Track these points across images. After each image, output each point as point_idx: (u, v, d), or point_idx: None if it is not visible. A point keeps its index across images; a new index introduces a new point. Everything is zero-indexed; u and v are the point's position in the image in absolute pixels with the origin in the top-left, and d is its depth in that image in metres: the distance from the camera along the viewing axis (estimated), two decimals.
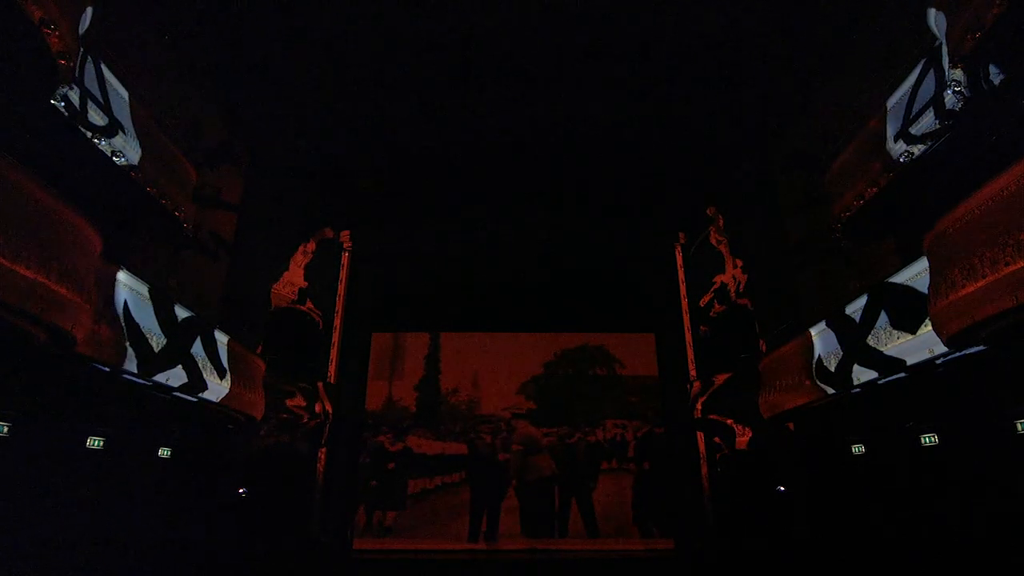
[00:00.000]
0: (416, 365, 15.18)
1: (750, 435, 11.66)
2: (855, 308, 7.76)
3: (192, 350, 8.09)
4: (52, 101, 6.55)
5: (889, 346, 7.03)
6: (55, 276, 5.01)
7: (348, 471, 13.64)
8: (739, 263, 12.59)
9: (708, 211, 13.35)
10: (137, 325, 6.91)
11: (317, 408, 12.60)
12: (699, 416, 12.94)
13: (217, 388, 8.77)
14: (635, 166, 12.63)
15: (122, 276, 6.73)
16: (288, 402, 12.04)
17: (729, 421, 12.14)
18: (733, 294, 12.53)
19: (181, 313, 7.92)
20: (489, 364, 15.11)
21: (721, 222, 13.17)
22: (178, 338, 7.74)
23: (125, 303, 6.74)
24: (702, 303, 13.57)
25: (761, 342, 11.41)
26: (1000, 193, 4.91)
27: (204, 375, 8.30)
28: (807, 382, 8.83)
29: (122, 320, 6.63)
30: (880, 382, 7.40)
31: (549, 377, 15.01)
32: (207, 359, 8.48)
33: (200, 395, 8.33)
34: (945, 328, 5.60)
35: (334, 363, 13.56)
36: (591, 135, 11.75)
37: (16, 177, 4.73)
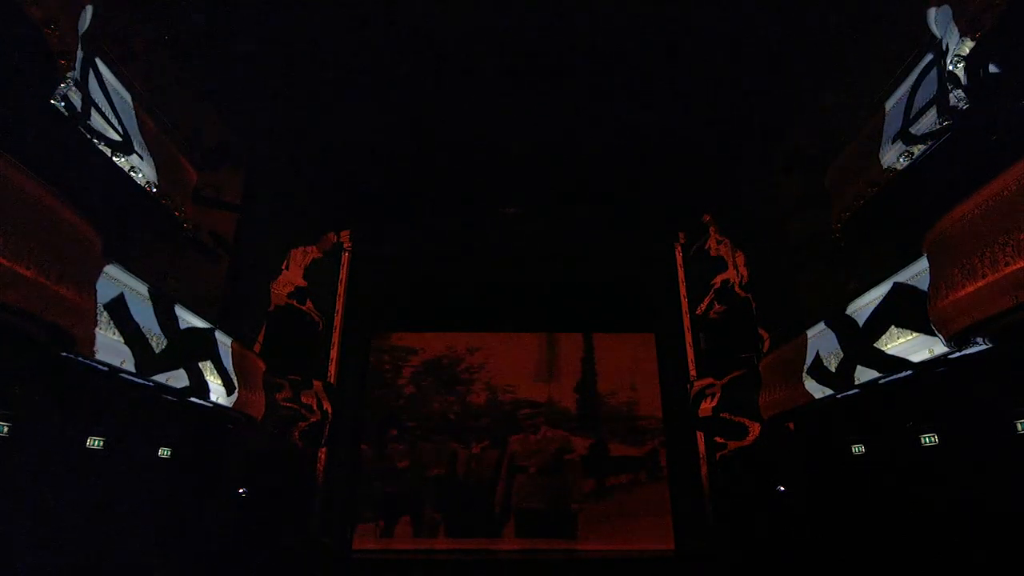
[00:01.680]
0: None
1: (751, 435, 11.66)
2: (855, 308, 7.77)
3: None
4: (52, 101, 6.55)
5: (890, 346, 7.04)
6: (55, 276, 5.00)
7: (349, 471, 13.64)
8: (740, 263, 12.59)
9: (704, 218, 13.39)
10: (136, 325, 6.91)
11: (316, 407, 12.60)
12: (699, 416, 12.94)
13: (218, 389, 8.77)
14: (635, 166, 12.63)
15: (121, 275, 6.73)
16: (288, 401, 12.04)
17: (731, 420, 12.14)
18: (737, 290, 12.53)
19: (183, 315, 7.92)
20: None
21: (715, 229, 13.23)
22: (179, 339, 7.74)
23: (124, 303, 6.74)
24: (702, 304, 13.59)
25: (763, 341, 11.41)
26: (1000, 193, 4.91)
27: (205, 376, 8.31)
28: (806, 382, 8.83)
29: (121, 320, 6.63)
30: (881, 382, 7.40)
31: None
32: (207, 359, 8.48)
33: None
34: (945, 328, 5.60)
35: (334, 363, 13.56)
36: (592, 135, 11.75)
37: (16, 177, 4.73)
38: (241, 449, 10.87)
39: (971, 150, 6.81)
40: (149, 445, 8.41)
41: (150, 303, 7.26)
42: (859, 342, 7.60)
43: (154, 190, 8.70)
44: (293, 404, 12.10)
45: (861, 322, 7.61)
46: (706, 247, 13.54)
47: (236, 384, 9.24)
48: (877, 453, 8.39)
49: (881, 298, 7.23)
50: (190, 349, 8.05)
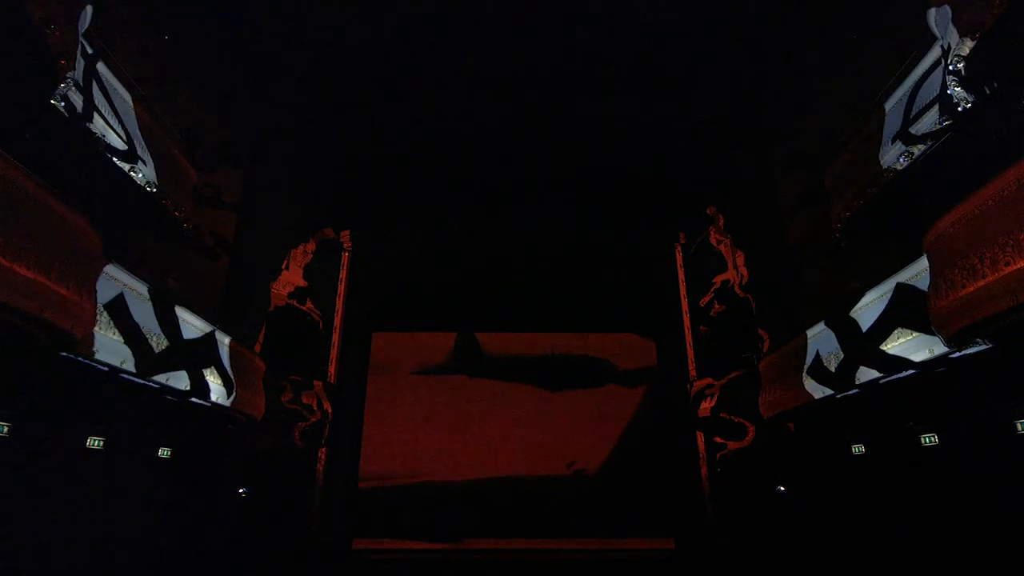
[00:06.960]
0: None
1: (751, 435, 11.66)
2: (855, 308, 7.76)
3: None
4: (52, 101, 6.54)
5: (890, 346, 7.03)
6: (55, 276, 5.00)
7: (348, 471, 13.65)
8: (740, 263, 12.59)
9: (708, 211, 13.36)
10: (136, 325, 6.91)
11: (316, 407, 12.59)
12: (699, 416, 12.94)
13: (217, 389, 8.76)
14: (635, 166, 12.62)
15: (121, 275, 6.72)
16: (288, 401, 12.03)
17: (731, 420, 12.13)
18: (737, 290, 12.53)
19: (183, 315, 7.92)
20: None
21: (721, 222, 13.18)
22: (180, 339, 7.74)
23: (124, 303, 6.74)
24: (702, 303, 13.57)
25: (763, 341, 11.40)
26: (1000, 193, 4.91)
27: (205, 376, 8.30)
28: (806, 382, 8.83)
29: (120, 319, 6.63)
30: (881, 382, 7.40)
31: None
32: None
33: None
34: (945, 328, 5.59)
35: (334, 363, 13.56)
36: (591, 135, 11.74)
37: (16, 177, 4.72)
38: (241, 449, 10.86)
39: (971, 150, 6.80)
40: (149, 445, 8.41)
41: (150, 303, 7.25)
42: (859, 342, 7.60)
43: (154, 190, 8.69)
44: (294, 404, 12.10)
45: (861, 322, 7.60)
46: (708, 241, 13.51)
47: (236, 384, 9.24)
48: (877, 453, 8.39)
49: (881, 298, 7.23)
50: (190, 349, 8.04)
